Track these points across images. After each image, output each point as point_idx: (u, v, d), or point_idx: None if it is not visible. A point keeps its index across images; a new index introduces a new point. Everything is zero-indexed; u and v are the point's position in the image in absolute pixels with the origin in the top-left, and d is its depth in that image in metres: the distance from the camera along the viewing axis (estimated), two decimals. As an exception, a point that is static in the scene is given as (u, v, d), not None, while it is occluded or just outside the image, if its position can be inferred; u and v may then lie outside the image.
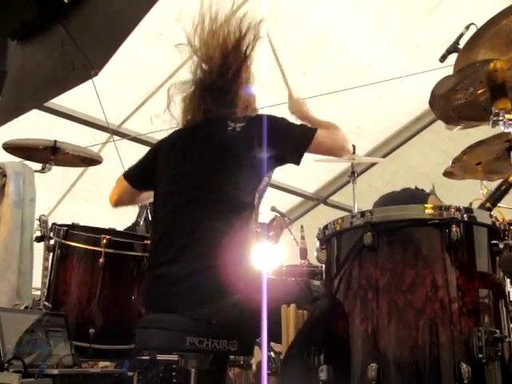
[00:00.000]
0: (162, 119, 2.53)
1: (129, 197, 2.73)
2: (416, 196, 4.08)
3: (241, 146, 2.29)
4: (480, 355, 1.60)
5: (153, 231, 2.48)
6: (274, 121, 2.35)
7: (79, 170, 5.39)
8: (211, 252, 2.15)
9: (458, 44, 2.52)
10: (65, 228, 3.17)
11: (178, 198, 2.31)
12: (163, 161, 2.48)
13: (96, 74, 1.27)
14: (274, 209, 3.77)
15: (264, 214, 3.35)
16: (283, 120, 2.39)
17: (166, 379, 2.95)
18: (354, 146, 3.79)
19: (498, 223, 1.79)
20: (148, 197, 2.75)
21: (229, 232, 2.19)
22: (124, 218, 3.97)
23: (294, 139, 2.33)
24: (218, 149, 2.33)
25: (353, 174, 3.88)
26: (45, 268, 3.21)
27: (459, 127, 2.66)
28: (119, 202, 2.73)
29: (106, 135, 5.14)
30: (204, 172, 2.32)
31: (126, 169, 2.72)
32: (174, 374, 2.94)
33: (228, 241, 2.18)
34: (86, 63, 1.30)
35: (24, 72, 1.49)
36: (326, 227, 1.93)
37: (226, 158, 2.30)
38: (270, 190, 2.59)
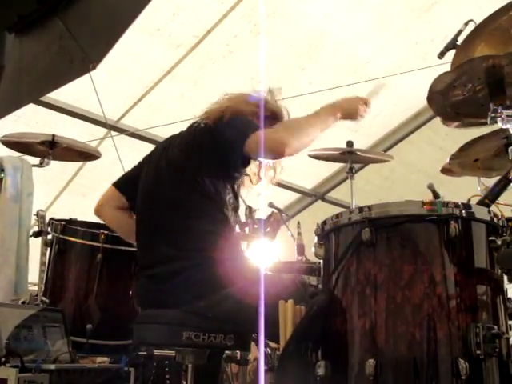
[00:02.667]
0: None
1: (114, 205, 2.59)
2: None
3: (199, 141, 2.32)
4: (478, 351, 1.60)
5: (137, 233, 2.46)
6: (233, 120, 2.31)
7: (77, 165, 5.39)
8: (203, 248, 2.16)
9: (457, 41, 2.53)
10: (62, 223, 3.18)
11: (159, 198, 2.33)
12: (145, 165, 2.51)
13: (94, 68, 1.26)
14: (271, 205, 3.76)
15: (261, 210, 3.35)
16: (238, 121, 2.31)
17: (163, 375, 2.94)
18: (351, 142, 3.79)
19: (496, 219, 1.79)
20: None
21: (214, 228, 2.22)
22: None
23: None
24: (184, 145, 2.36)
25: (351, 170, 3.87)
26: (42, 263, 3.21)
27: (456, 124, 2.65)
28: (101, 207, 2.62)
29: (104, 130, 5.13)
30: (178, 170, 2.33)
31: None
32: (170, 370, 2.94)
33: (216, 237, 2.20)
34: (84, 57, 1.29)
35: (22, 66, 1.48)
36: (324, 223, 1.92)
37: (191, 154, 2.32)
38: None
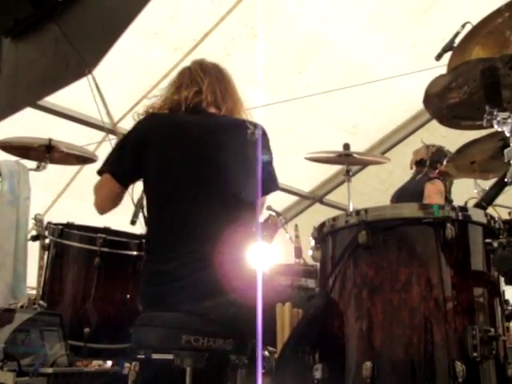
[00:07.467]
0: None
1: (119, 198, 2.51)
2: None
3: (256, 153, 2.34)
4: (474, 354, 1.60)
5: (154, 229, 2.43)
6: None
7: (75, 169, 5.38)
8: (212, 250, 2.15)
9: (454, 42, 2.52)
10: (60, 227, 3.17)
11: (183, 197, 2.30)
12: (163, 150, 2.38)
13: (90, 72, 1.27)
14: (269, 208, 3.76)
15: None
16: None
17: (161, 378, 2.94)
18: (348, 145, 3.79)
19: (492, 222, 1.79)
20: None
21: (231, 231, 2.20)
22: (119, 218, 3.95)
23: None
24: (238, 151, 2.35)
25: (348, 172, 3.87)
26: (40, 267, 3.21)
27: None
28: (110, 207, 2.51)
29: (102, 134, 5.12)
30: (216, 172, 2.31)
31: (108, 165, 2.50)
32: (169, 372, 2.93)
33: (230, 240, 2.19)
34: (79, 61, 1.30)
35: (18, 70, 1.49)
36: (321, 225, 1.92)
37: (244, 162, 2.33)
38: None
